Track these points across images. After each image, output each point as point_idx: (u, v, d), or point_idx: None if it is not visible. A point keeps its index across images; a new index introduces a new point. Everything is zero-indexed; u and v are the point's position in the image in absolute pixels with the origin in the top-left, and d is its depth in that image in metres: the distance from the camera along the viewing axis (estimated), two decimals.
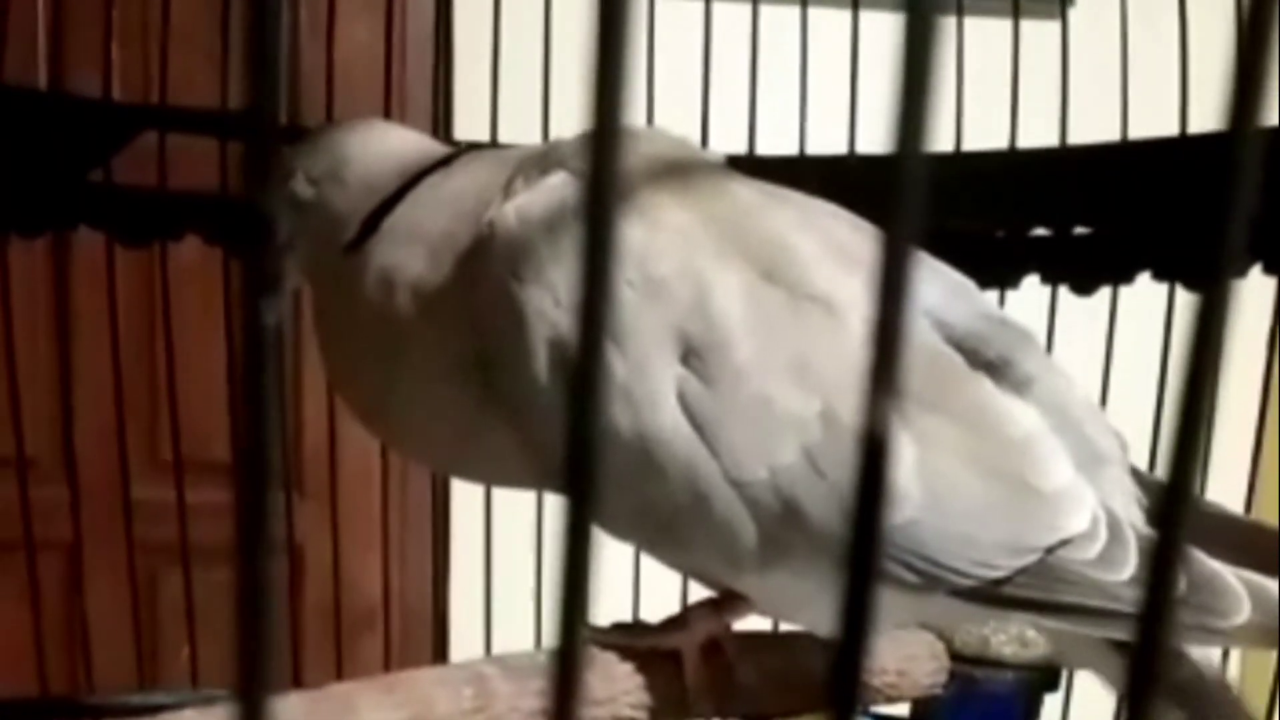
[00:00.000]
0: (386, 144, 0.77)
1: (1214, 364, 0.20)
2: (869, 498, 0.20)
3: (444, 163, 0.73)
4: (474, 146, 0.76)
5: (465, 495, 1.35)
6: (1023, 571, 0.63)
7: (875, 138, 1.07)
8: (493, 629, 1.19)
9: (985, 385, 0.65)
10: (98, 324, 1.12)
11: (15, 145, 1.00)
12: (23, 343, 1.18)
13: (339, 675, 1.00)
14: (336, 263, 0.72)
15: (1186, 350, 0.21)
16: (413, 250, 0.70)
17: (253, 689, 0.20)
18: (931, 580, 0.63)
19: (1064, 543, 0.63)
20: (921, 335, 0.65)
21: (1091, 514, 0.63)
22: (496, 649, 1.08)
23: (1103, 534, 0.63)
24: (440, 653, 1.56)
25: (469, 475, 0.79)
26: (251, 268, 0.19)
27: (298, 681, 1.05)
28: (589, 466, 0.21)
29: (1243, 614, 0.62)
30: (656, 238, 0.65)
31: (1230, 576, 0.63)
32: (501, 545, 1.18)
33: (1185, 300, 0.94)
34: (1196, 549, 0.63)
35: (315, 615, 1.26)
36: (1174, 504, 0.19)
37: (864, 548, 0.20)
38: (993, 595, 0.64)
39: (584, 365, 0.20)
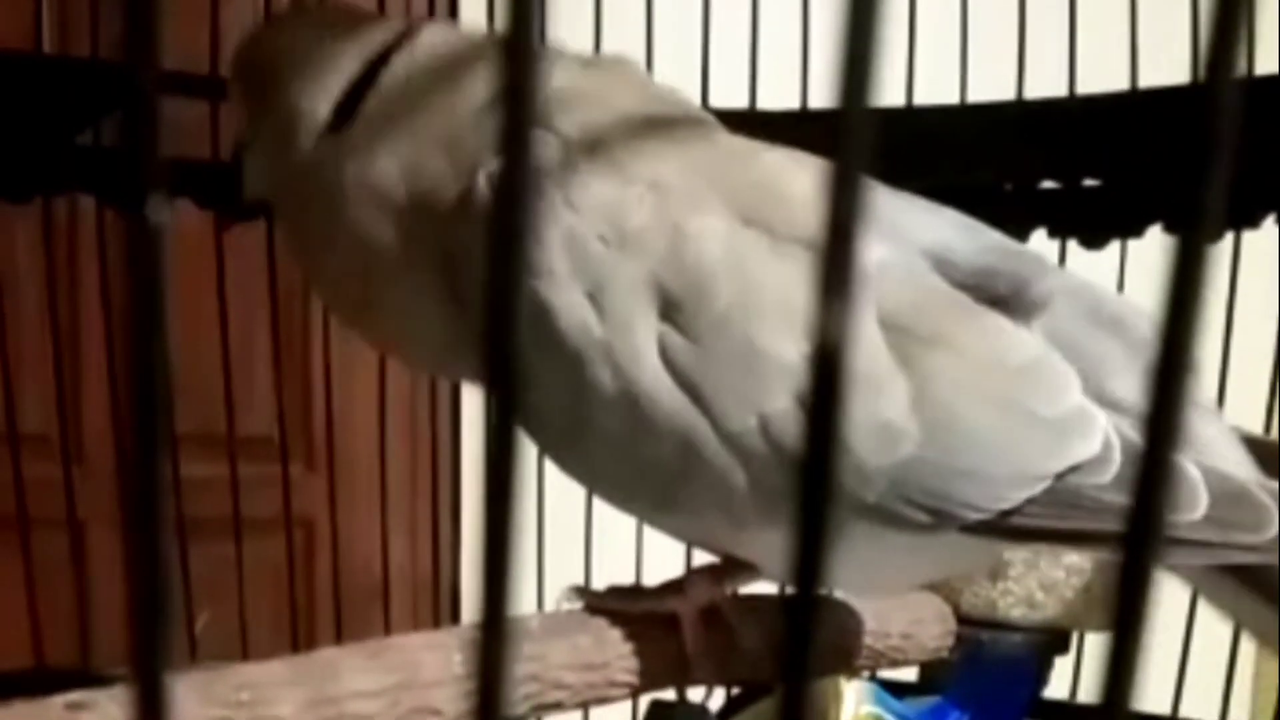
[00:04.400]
0: (329, 20, 0.73)
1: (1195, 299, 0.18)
2: (823, 413, 0.18)
3: (404, 39, 0.70)
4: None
5: (476, 466, 1.34)
6: (1033, 501, 0.61)
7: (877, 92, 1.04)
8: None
9: (987, 317, 0.64)
10: (98, 294, 1.11)
11: (1, 108, 0.99)
12: (30, 315, 1.17)
13: None
14: (308, 154, 0.69)
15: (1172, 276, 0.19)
16: (390, 160, 0.67)
17: (149, 665, 0.18)
18: (940, 517, 0.61)
19: (1075, 468, 0.61)
20: (913, 272, 0.64)
21: (1103, 437, 0.61)
22: None
23: (1117, 457, 0.61)
24: (454, 624, 1.55)
25: (456, 377, 0.77)
26: (134, 160, 0.17)
27: None
28: (511, 435, 0.19)
29: (1273, 527, 0.60)
30: (628, 189, 0.63)
31: (1259, 490, 0.61)
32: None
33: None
34: (1221, 466, 0.62)
35: (326, 589, 1.25)
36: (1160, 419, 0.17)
37: (817, 480, 0.19)
38: (1005, 528, 0.62)
39: (499, 312, 0.18)
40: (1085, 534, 0.62)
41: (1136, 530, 0.17)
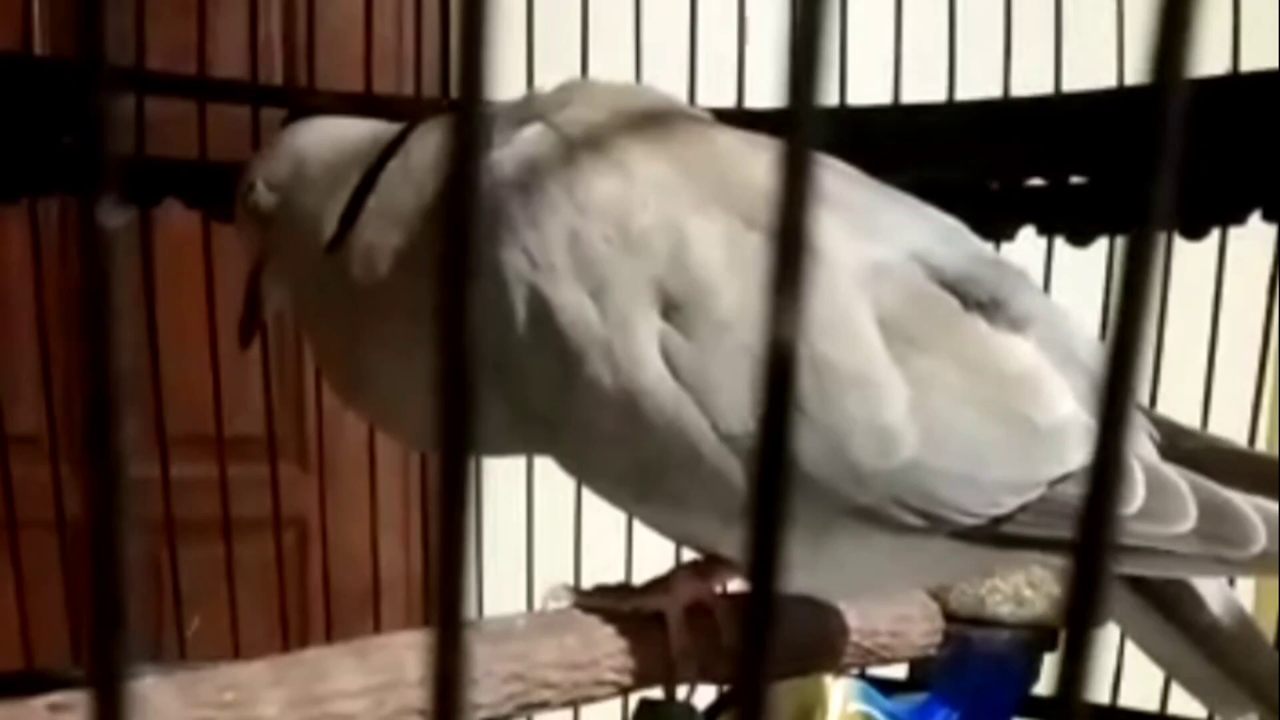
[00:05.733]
0: (337, 135, 0.75)
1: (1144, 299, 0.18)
2: (775, 413, 0.18)
3: (400, 140, 0.71)
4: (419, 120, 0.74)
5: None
6: (1025, 509, 0.62)
7: (863, 90, 1.05)
8: (492, 598, 1.17)
9: (979, 324, 0.64)
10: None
11: None
12: (19, 316, 1.17)
13: None
14: (319, 261, 0.71)
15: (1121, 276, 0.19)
16: (393, 229, 0.69)
17: (108, 671, 0.18)
18: (933, 521, 0.62)
19: (1067, 477, 0.62)
20: (911, 277, 0.64)
21: None
22: None
23: None
24: None
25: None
26: (89, 164, 0.17)
27: None
28: (467, 431, 0.19)
29: (1259, 543, 0.61)
30: (633, 190, 0.64)
31: (1245, 505, 0.61)
32: (501, 514, 1.16)
33: (1181, 248, 0.91)
34: (1209, 479, 0.62)
35: (318, 589, 1.25)
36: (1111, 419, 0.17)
37: (770, 479, 0.19)
38: (996, 535, 0.62)
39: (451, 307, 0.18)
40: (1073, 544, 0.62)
41: (1089, 530, 0.17)
